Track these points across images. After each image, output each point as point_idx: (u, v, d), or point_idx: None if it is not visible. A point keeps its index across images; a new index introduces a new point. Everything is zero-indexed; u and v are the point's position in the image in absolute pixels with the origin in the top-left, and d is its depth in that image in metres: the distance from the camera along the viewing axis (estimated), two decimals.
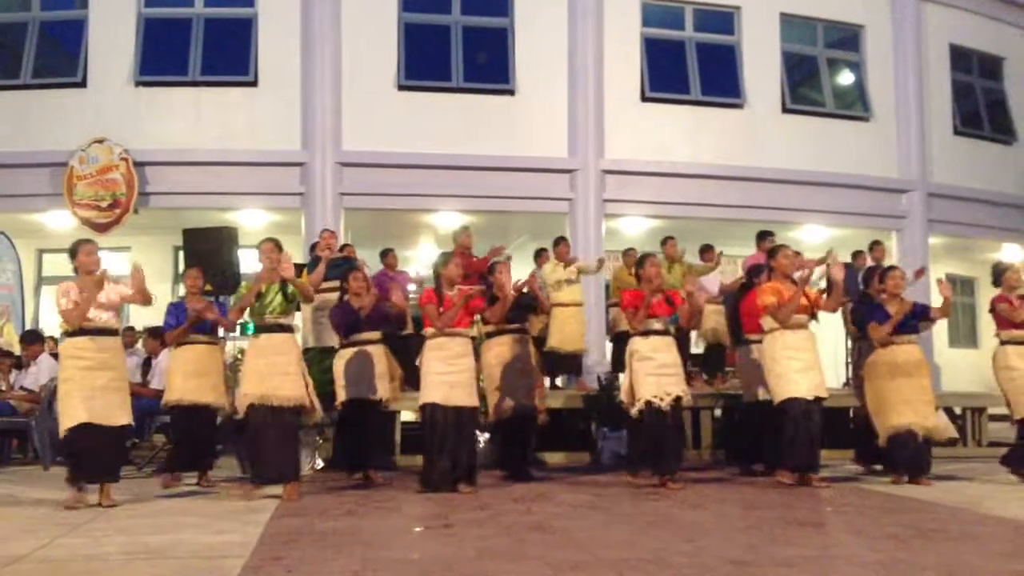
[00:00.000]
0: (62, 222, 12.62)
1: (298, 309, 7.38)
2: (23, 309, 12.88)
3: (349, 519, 5.61)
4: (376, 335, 7.58)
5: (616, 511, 5.88)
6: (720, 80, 13.67)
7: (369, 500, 6.42)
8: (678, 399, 6.96)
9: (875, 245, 10.80)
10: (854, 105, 14.74)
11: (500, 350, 7.63)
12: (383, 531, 5.21)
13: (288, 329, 6.77)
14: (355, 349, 7.46)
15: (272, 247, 6.81)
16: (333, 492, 6.89)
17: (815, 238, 14.15)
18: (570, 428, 9.32)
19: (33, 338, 9.71)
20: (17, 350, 10.81)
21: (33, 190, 12.38)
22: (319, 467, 8.17)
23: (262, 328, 6.69)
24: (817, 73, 14.64)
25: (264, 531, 5.11)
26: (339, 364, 7.50)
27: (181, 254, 13.38)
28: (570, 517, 5.61)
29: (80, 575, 4.04)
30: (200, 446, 7.42)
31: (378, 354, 7.53)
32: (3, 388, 9.70)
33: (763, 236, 9.60)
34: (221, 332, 7.88)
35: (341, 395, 7.41)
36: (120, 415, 6.30)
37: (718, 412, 9.59)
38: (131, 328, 10.67)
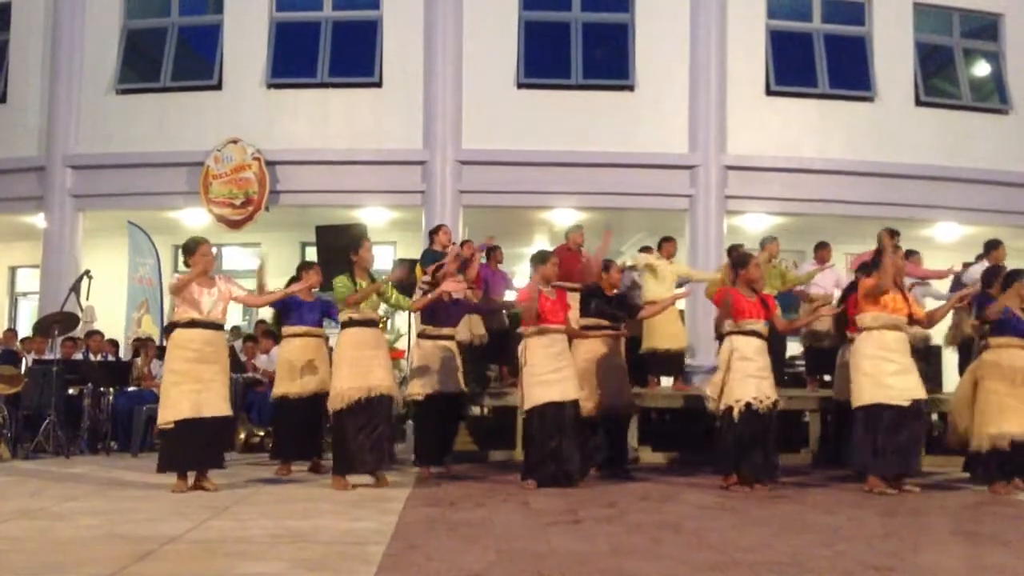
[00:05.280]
0: (198, 219, 13.22)
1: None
2: (161, 302, 13.54)
3: (480, 511, 5.69)
4: (454, 331, 7.70)
5: (747, 513, 5.77)
6: (849, 72, 13.26)
7: (496, 493, 6.51)
8: (775, 403, 6.83)
9: (993, 246, 9.98)
10: (991, 97, 14.06)
11: (591, 348, 7.55)
12: (514, 524, 5.26)
13: (376, 324, 6.96)
14: (437, 343, 7.54)
15: (371, 245, 6.99)
16: (458, 484, 7.01)
17: (949, 236, 13.58)
18: (690, 428, 9.18)
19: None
20: (155, 340, 11.41)
21: (171, 188, 13.02)
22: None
23: (358, 322, 6.78)
24: (952, 64, 14.01)
25: (399, 519, 5.24)
26: (418, 354, 7.54)
27: (307, 250, 13.88)
28: (700, 518, 5.54)
29: (233, 556, 4.22)
30: (308, 436, 7.63)
31: (456, 349, 7.67)
32: (145, 372, 10.23)
33: (888, 235, 9.20)
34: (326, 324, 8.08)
35: (420, 389, 7.43)
36: (222, 406, 6.55)
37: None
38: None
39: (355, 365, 6.64)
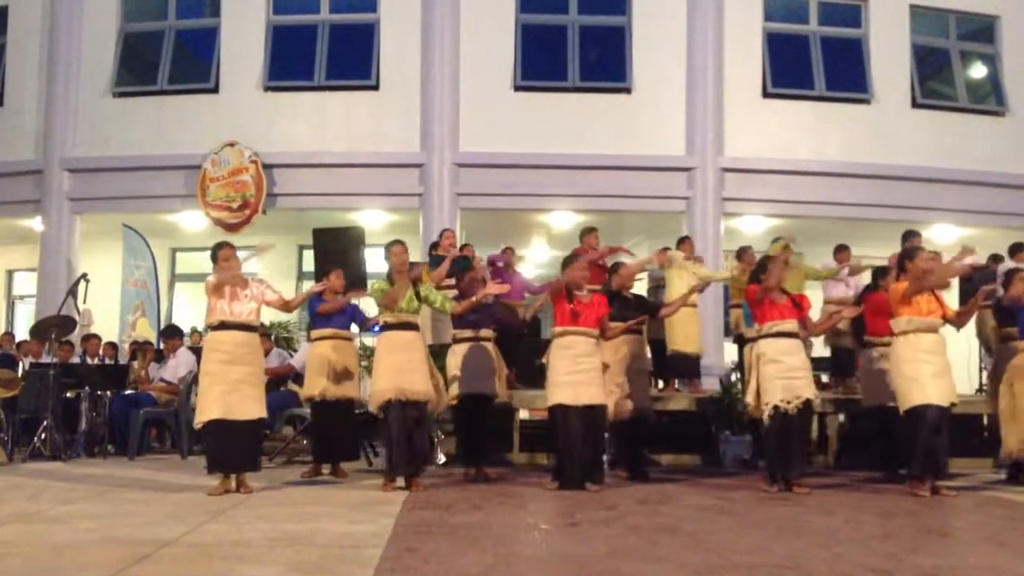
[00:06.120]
0: (195, 222, 13.21)
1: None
2: (158, 305, 13.53)
3: (477, 513, 5.68)
4: (490, 332, 7.69)
5: (746, 516, 5.77)
6: (846, 75, 13.28)
7: (494, 496, 6.50)
8: (807, 402, 6.82)
9: (1020, 248, 10.10)
10: (988, 99, 14.10)
11: (616, 351, 7.55)
12: (512, 526, 5.25)
13: (416, 327, 6.97)
14: (470, 345, 7.56)
15: (403, 249, 6.95)
16: (456, 487, 7.01)
17: (946, 238, 13.56)
18: (690, 430, 9.20)
19: (172, 332, 10.20)
20: (152, 343, 11.39)
21: (168, 191, 13.02)
22: (441, 462, 8.31)
23: (394, 326, 6.84)
24: (949, 66, 14.03)
25: (396, 523, 5.23)
26: (454, 359, 7.59)
27: (305, 253, 13.86)
28: (699, 520, 5.53)
29: (229, 559, 4.21)
30: (338, 439, 7.65)
31: (492, 351, 7.64)
32: (143, 375, 10.22)
33: (908, 236, 9.19)
34: (354, 328, 8.09)
35: (456, 390, 7.49)
36: (254, 409, 6.57)
37: (842, 417, 9.32)
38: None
39: (388, 368, 6.70)
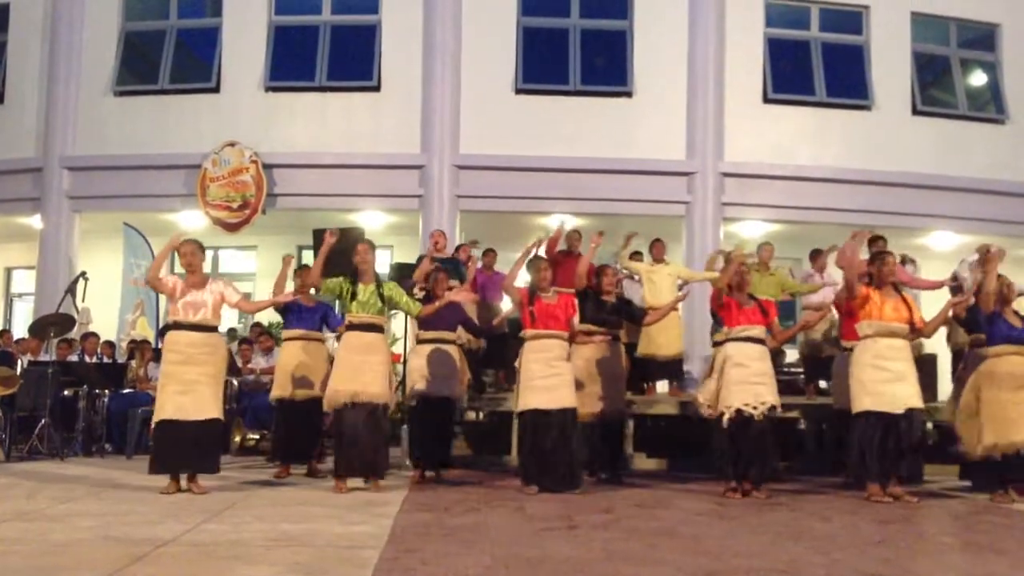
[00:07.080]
0: (195, 222, 13.20)
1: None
2: (157, 304, 13.51)
3: (475, 515, 5.68)
4: (452, 335, 7.69)
5: (743, 520, 5.77)
6: (847, 81, 13.33)
7: (492, 498, 6.51)
8: (772, 408, 6.80)
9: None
10: (988, 106, 14.14)
11: (589, 353, 7.54)
12: (509, 529, 5.25)
13: (379, 329, 6.93)
14: (432, 347, 7.55)
15: (367, 249, 6.98)
16: (454, 489, 7.01)
17: (944, 245, 13.60)
18: (685, 433, 9.17)
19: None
20: (151, 342, 11.38)
21: (169, 191, 13.03)
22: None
23: (355, 326, 6.82)
24: (949, 73, 14.08)
25: (394, 524, 5.23)
26: (415, 361, 7.60)
27: (305, 253, 13.84)
28: (696, 524, 5.54)
29: (227, 559, 4.21)
30: (305, 439, 7.66)
31: (454, 354, 7.65)
32: (140, 374, 10.21)
33: (873, 241, 9.18)
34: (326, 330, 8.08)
35: (411, 392, 7.52)
36: (207, 409, 6.50)
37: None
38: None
39: (345, 368, 6.69)
